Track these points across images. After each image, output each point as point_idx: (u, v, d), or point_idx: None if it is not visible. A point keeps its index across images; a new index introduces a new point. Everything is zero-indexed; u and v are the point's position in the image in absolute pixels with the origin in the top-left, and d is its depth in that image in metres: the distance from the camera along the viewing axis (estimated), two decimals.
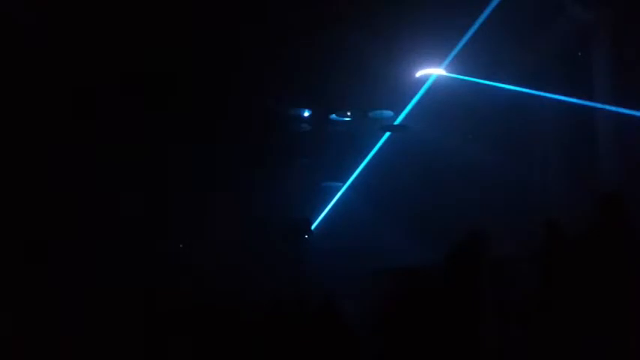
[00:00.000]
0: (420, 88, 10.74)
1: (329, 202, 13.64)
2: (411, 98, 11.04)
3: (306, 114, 11.73)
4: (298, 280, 10.08)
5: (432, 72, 10.29)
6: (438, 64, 10.12)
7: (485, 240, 5.76)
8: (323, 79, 9.94)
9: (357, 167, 13.20)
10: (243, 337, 5.98)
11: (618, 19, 8.01)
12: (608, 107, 7.94)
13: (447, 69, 10.15)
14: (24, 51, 7.36)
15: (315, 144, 12.40)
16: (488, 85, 9.65)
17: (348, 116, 11.80)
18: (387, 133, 12.28)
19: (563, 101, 8.53)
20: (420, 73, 10.34)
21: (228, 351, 5.78)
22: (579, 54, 8.66)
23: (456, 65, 9.98)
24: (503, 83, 9.50)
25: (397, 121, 11.75)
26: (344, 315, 6.52)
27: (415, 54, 9.84)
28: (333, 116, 11.79)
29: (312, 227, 12.96)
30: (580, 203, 7.60)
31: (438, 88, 10.54)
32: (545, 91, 9.02)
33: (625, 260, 5.19)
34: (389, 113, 11.75)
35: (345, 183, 13.47)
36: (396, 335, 6.09)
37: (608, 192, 5.80)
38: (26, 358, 5.49)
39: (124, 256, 9.10)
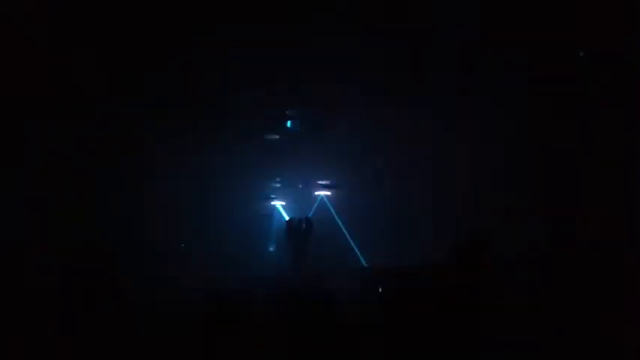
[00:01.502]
0: None
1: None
2: None
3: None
4: (300, 279, 10.11)
5: None
6: None
7: (486, 240, 5.78)
8: None
9: None
10: (244, 333, 6.00)
11: None
12: None
13: None
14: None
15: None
16: None
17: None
18: None
19: None
20: None
21: (229, 347, 5.80)
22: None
23: None
24: None
25: None
26: (343, 313, 6.55)
27: None
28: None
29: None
30: None
31: None
32: None
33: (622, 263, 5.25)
34: None
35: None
36: (395, 333, 6.11)
37: None
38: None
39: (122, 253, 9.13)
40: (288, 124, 11.14)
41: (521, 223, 8.83)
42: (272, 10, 7.64)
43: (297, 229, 12.36)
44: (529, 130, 8.91)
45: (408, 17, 7.61)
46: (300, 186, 13.25)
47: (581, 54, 8.68)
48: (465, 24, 7.52)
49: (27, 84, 7.08)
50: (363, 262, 12.25)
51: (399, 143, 10.74)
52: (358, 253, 12.44)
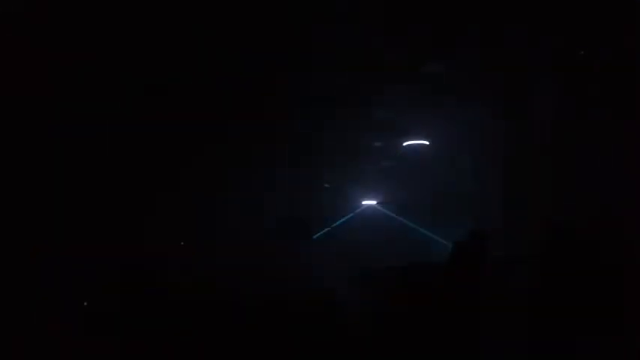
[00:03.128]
0: None
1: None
2: None
3: None
4: (301, 278, 10.15)
5: None
6: None
7: (486, 239, 5.79)
8: None
9: None
10: (245, 333, 6.02)
11: None
12: None
13: None
14: None
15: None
16: None
17: None
18: None
19: None
20: None
21: (229, 346, 5.82)
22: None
23: None
24: None
25: None
26: (345, 312, 6.58)
27: None
28: None
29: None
30: None
31: None
32: None
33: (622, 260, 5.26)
34: None
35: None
36: (396, 332, 6.13)
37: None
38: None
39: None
40: None
41: (521, 223, 8.89)
42: None
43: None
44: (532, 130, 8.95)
45: None
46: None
47: (581, 52, 8.67)
48: None
49: (27, 84, 7.09)
50: None
51: None
52: None
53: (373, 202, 14.21)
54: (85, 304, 6.35)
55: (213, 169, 11.42)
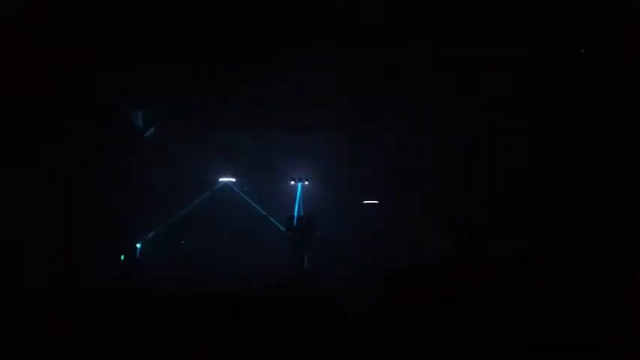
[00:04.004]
0: None
1: None
2: None
3: None
4: (301, 274, 10.19)
5: None
6: None
7: (486, 239, 5.80)
8: None
9: None
10: (244, 329, 6.02)
11: None
12: None
13: None
14: None
15: None
16: None
17: None
18: None
19: None
20: None
21: (229, 346, 5.82)
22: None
23: None
24: None
25: None
26: (345, 312, 6.57)
27: None
28: None
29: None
30: None
31: None
32: None
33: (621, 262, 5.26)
34: None
35: None
36: (396, 332, 6.12)
37: None
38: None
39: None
40: None
41: (521, 222, 8.88)
42: None
43: (297, 226, 12.43)
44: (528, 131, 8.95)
45: None
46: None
47: (582, 51, 8.67)
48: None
49: (27, 84, 7.08)
50: None
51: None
52: None
53: (375, 202, 14.33)
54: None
55: None
